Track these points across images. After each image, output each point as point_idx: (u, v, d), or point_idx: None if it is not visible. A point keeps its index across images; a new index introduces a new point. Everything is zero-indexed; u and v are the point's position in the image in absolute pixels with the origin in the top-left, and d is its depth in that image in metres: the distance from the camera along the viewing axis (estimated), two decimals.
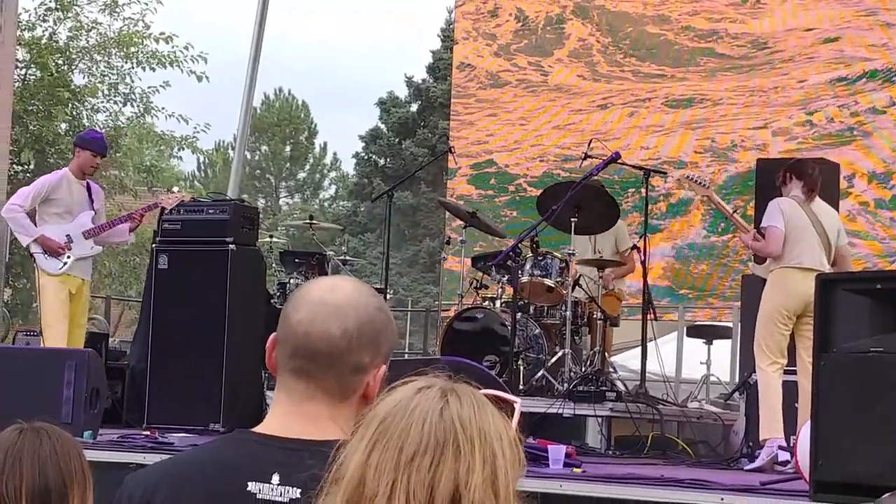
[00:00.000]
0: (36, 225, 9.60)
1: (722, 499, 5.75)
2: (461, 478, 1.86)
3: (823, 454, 5.65)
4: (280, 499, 2.34)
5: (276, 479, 2.35)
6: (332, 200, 53.37)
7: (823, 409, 5.72)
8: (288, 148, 55.20)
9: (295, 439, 2.38)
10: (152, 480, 2.42)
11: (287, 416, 2.42)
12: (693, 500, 5.77)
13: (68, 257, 9.49)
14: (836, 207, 9.06)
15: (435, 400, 1.92)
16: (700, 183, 8.82)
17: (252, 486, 2.35)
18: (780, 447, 7.77)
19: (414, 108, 37.45)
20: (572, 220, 9.77)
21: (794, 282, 8.00)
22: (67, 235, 9.50)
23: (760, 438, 8.02)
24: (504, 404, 2.08)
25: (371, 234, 35.70)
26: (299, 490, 2.33)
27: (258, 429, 2.44)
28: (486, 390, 2.05)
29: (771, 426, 7.93)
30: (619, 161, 9.70)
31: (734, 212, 9.14)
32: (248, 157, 50.02)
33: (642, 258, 10.01)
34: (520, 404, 2.15)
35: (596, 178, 10.06)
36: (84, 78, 20.72)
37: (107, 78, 20.76)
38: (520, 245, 9.65)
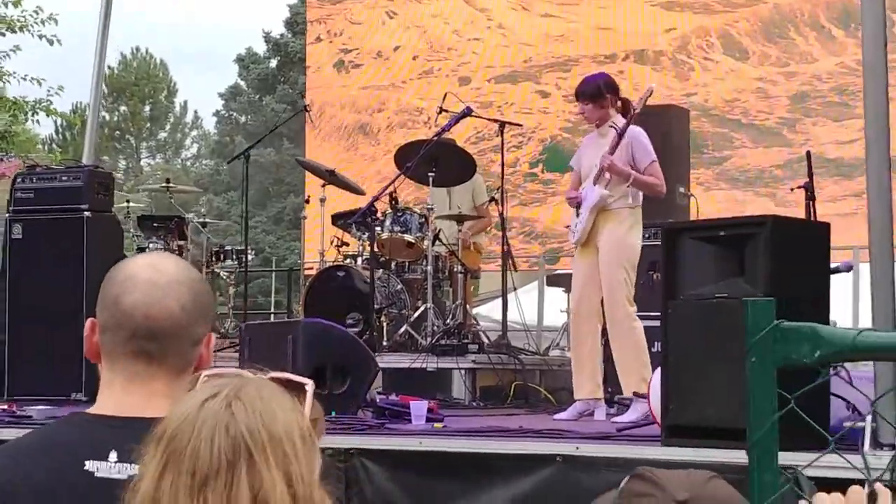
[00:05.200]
0: None
1: (577, 447, 5.83)
2: (258, 492, 1.85)
3: (674, 399, 5.78)
4: (118, 476, 2.34)
5: (113, 456, 2.37)
6: (195, 159, 52.84)
7: (672, 355, 5.84)
8: (147, 107, 54.42)
9: (131, 417, 2.39)
10: None
11: (124, 395, 2.43)
12: (549, 451, 5.85)
13: None
14: (688, 158, 9.06)
15: (221, 412, 1.90)
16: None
17: (90, 465, 2.36)
18: None
19: (273, 63, 37.15)
20: (429, 174, 9.80)
21: None
22: None
23: (635, 391, 7.34)
24: (296, 387, 2.08)
25: (234, 192, 35.41)
26: (137, 467, 2.34)
27: (92, 410, 2.45)
28: (274, 374, 2.05)
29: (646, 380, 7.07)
30: (473, 114, 9.72)
31: None
32: (108, 118, 49.24)
33: (500, 210, 10.08)
34: (311, 385, 2.13)
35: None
36: None
37: None
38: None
